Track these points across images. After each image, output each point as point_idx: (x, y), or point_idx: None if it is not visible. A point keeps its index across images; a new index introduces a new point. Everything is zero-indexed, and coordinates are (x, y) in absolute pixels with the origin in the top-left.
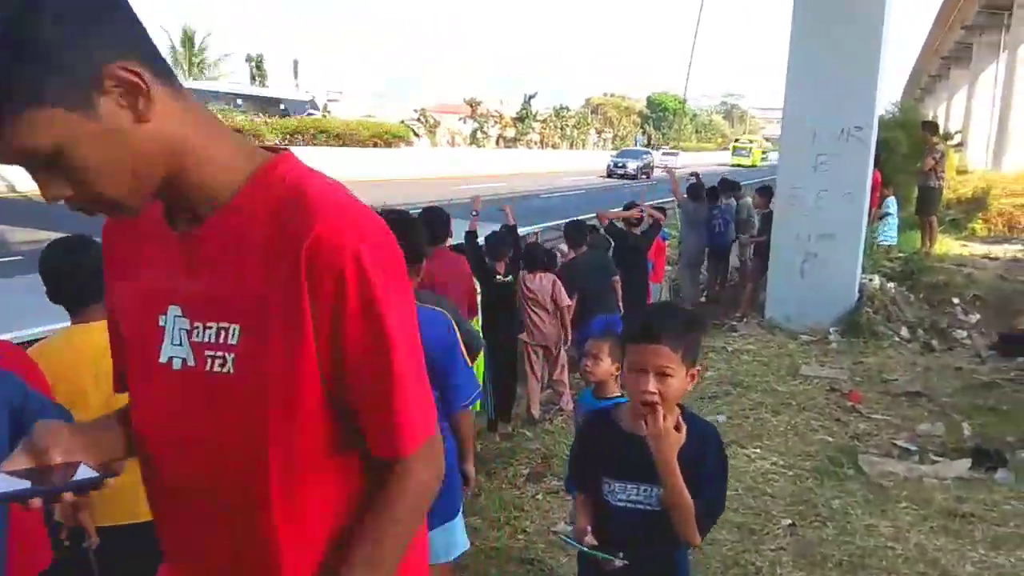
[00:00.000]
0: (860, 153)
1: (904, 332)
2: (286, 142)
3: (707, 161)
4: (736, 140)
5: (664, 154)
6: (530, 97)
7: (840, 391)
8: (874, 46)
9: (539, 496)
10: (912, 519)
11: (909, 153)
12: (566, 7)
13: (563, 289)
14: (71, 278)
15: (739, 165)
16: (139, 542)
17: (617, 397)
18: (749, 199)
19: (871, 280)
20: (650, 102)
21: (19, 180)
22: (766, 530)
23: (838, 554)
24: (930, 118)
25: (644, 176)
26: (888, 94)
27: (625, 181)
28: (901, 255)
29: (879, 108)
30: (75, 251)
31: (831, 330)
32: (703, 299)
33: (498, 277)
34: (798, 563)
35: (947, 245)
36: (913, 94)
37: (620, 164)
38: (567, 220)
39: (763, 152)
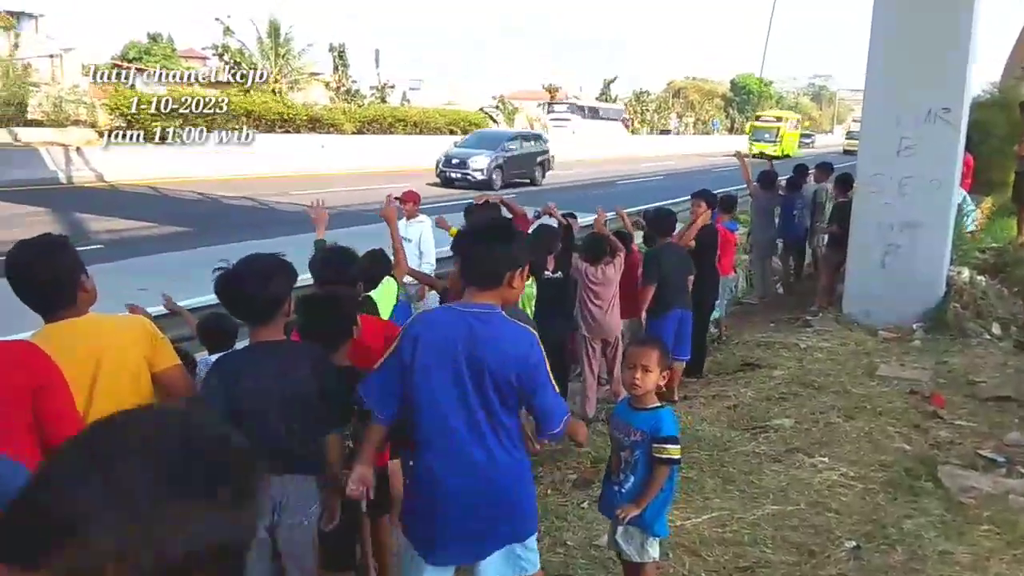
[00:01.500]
0: (948, 137)
1: (995, 330)
2: (363, 131)
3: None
4: (756, 118)
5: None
6: (610, 82)
7: (921, 394)
8: (965, 21)
9: (584, 505)
10: (994, 545)
11: (1007, 136)
12: None
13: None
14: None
15: (761, 155)
16: None
17: (658, 407)
18: (826, 184)
19: (959, 273)
20: (733, 85)
21: (106, 171)
22: (827, 552)
23: None
24: None
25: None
26: (986, 74)
27: (714, 169)
28: (994, 246)
29: (973, 88)
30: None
31: (914, 327)
32: (779, 290)
33: (547, 274)
34: None
35: None
36: (1014, 73)
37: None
38: (652, 208)
39: (801, 134)
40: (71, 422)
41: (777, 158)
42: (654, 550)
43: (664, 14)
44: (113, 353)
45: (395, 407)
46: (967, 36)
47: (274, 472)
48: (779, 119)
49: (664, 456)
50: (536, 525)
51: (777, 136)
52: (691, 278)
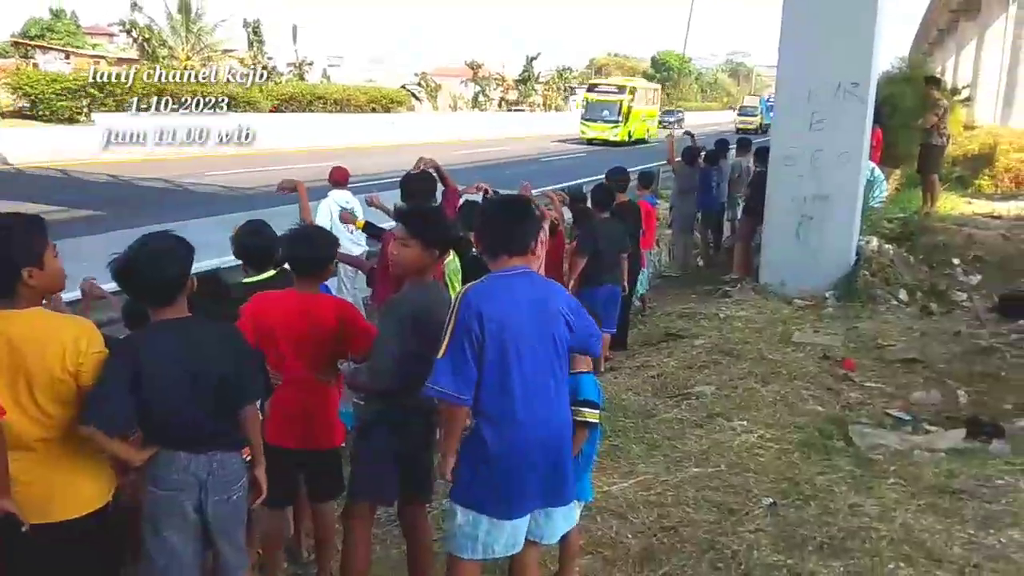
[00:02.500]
0: (857, 111)
1: (902, 295)
2: (281, 109)
3: (711, 121)
4: (591, 87)
5: (665, 113)
6: (532, 59)
7: (833, 359)
8: None
9: None
10: (900, 496)
11: (914, 109)
12: None
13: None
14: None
15: (745, 129)
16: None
17: (579, 372)
18: (742, 159)
19: (868, 242)
20: (654, 61)
21: (10, 153)
22: (745, 510)
23: (819, 536)
24: (938, 72)
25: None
26: (895, 49)
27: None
28: (900, 216)
29: (883, 63)
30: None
31: (827, 295)
32: (699, 262)
33: (474, 251)
34: (777, 546)
35: (952, 203)
36: (921, 48)
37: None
38: (596, 181)
39: (664, 111)
40: None
41: (619, 144)
42: (575, 514)
43: None
44: (31, 359)
45: (474, 387)
46: (872, 13)
47: (195, 451)
48: (622, 89)
49: (579, 419)
50: None
51: (620, 114)
52: (624, 255)
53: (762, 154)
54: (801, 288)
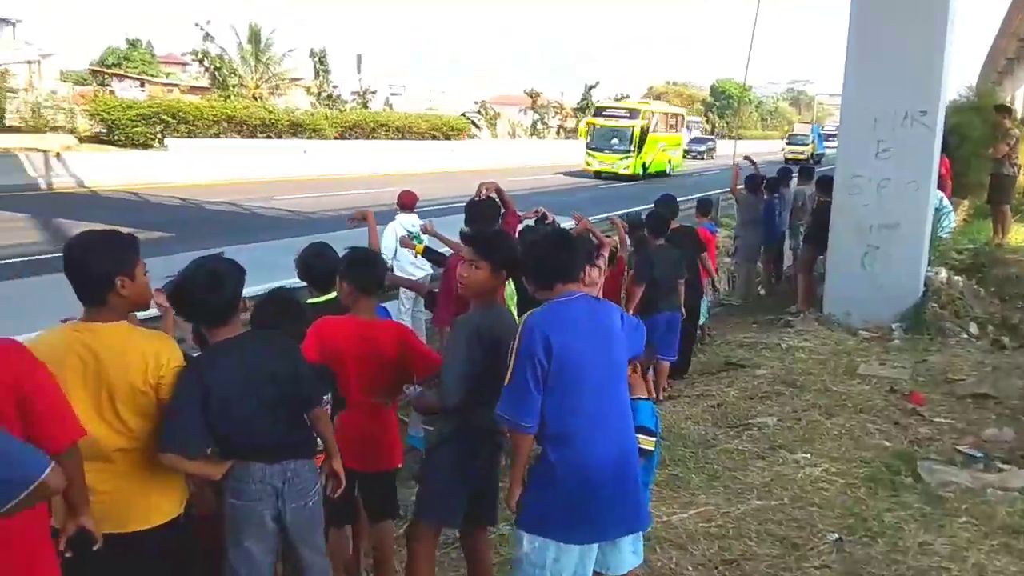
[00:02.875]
0: (925, 139)
1: (972, 329)
2: (345, 136)
3: (760, 150)
4: (597, 112)
5: (693, 142)
6: (591, 87)
7: (901, 392)
8: (940, 25)
9: None
10: (972, 536)
11: (983, 138)
12: None
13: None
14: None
15: (795, 159)
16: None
17: (637, 399)
18: (804, 187)
19: (937, 273)
20: (713, 89)
21: (86, 176)
22: (810, 545)
23: (888, 574)
24: (1007, 101)
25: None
26: (962, 77)
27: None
28: (971, 247)
29: (950, 91)
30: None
31: (893, 326)
32: (760, 291)
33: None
34: None
35: (1022, 235)
36: (990, 77)
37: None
38: (652, 208)
39: (694, 139)
40: (59, 421)
41: (632, 179)
42: (642, 547)
43: (645, 19)
44: (114, 372)
45: (538, 414)
46: (942, 39)
47: (269, 461)
48: (635, 113)
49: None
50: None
51: (631, 142)
52: (682, 281)
53: (824, 183)
54: (867, 320)
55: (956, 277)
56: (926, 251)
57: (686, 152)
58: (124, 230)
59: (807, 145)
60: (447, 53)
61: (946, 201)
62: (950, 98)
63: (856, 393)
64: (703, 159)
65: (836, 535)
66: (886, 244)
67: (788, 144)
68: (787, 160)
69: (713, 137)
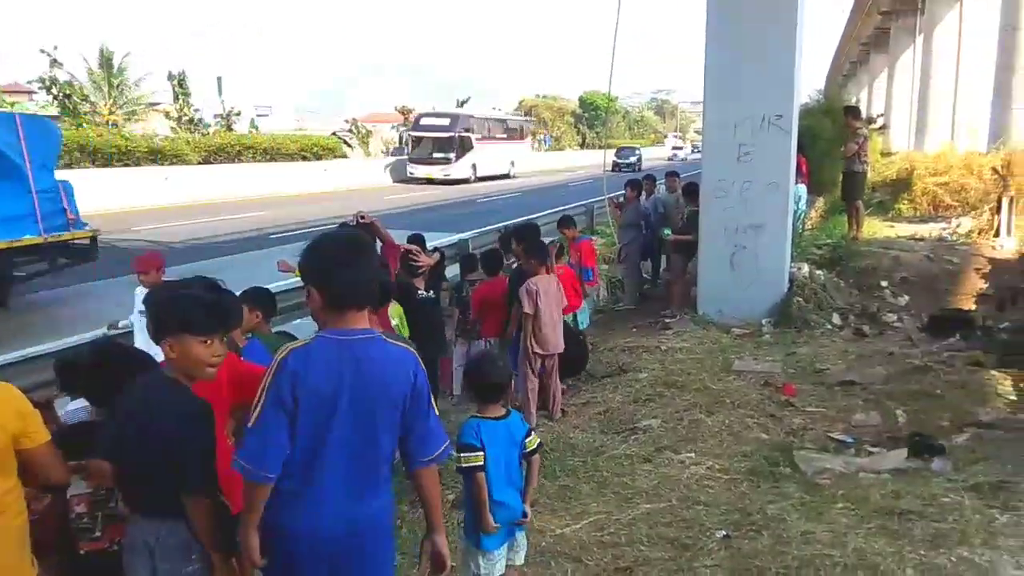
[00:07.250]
0: (782, 142)
1: (835, 319)
2: (210, 161)
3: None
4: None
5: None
6: (463, 102)
7: (774, 385)
8: (790, 34)
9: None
10: (850, 521)
11: (834, 138)
12: (489, 10)
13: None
14: None
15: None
16: None
17: None
18: (667, 194)
19: (800, 269)
20: (582, 101)
21: None
22: (700, 544)
23: (775, 566)
24: (853, 102)
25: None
26: (812, 81)
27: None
28: (829, 242)
29: (802, 96)
30: None
31: (763, 322)
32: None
33: (420, 293)
34: None
35: (876, 227)
36: (836, 80)
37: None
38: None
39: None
40: None
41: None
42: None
43: (512, 34)
44: None
45: (281, 463)
46: (792, 48)
47: None
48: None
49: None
50: None
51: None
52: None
53: (690, 191)
54: (738, 317)
55: (818, 271)
56: (789, 248)
57: (615, 164)
58: None
59: (633, 159)
60: (314, 74)
61: (804, 194)
62: (801, 102)
63: (733, 389)
64: (635, 170)
65: (723, 532)
66: (752, 243)
67: (616, 158)
68: (614, 168)
69: (637, 147)
